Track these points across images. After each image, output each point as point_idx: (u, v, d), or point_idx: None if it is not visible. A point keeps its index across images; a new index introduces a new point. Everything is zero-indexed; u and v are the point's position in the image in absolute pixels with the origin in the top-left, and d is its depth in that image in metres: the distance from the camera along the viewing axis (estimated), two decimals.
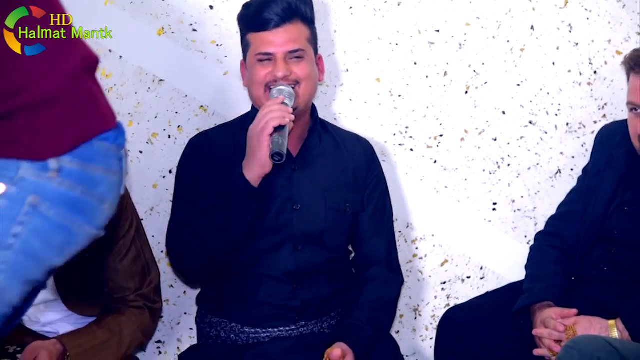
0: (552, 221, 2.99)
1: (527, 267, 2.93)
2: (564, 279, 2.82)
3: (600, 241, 2.80)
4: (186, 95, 2.95)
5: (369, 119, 3.02)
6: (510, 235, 3.11)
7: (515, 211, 3.10)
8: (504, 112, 3.06)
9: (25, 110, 1.49)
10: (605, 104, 3.08)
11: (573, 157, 3.10)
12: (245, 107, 2.84)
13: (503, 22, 3.02)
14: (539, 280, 2.82)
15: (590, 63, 3.06)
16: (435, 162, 3.06)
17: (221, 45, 2.94)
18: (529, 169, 3.09)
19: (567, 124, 3.08)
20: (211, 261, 2.67)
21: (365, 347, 2.63)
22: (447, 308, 3.02)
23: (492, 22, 3.02)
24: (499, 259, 3.11)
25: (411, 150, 3.05)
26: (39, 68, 1.50)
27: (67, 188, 1.51)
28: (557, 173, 3.11)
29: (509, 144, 3.07)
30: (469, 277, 3.12)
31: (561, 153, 3.09)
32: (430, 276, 3.11)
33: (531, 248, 2.98)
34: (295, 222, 2.69)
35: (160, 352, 3.08)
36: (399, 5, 2.99)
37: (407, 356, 3.11)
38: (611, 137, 2.90)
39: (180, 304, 3.06)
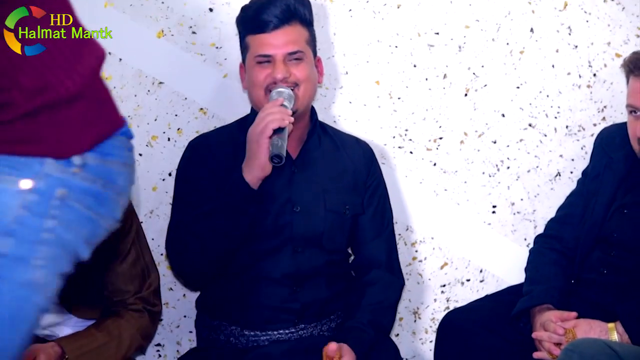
0: (551, 224, 2.99)
1: (526, 269, 2.93)
2: (564, 282, 2.82)
3: (599, 244, 2.80)
4: (186, 98, 2.95)
5: (369, 121, 3.02)
6: (510, 238, 3.11)
7: (514, 214, 3.10)
8: (503, 115, 3.06)
9: (49, 108, 1.52)
10: (605, 107, 3.09)
11: (572, 159, 3.10)
12: (245, 109, 2.84)
13: (502, 25, 3.02)
14: (539, 283, 2.81)
15: (589, 65, 3.06)
16: (434, 164, 3.06)
17: (221, 47, 2.94)
18: (528, 171, 3.09)
19: (567, 127, 3.08)
20: (211, 263, 2.67)
21: (366, 349, 2.63)
22: (446, 311, 3.01)
23: (492, 25, 3.02)
24: (499, 261, 3.11)
25: (411, 152, 3.05)
26: (61, 67, 1.53)
27: (89, 182, 1.55)
28: (556, 176, 3.10)
29: (508, 146, 3.07)
30: (468, 280, 3.12)
31: (561, 156, 3.09)
32: (429, 279, 3.11)
33: (531, 251, 2.98)
34: (295, 225, 2.69)
35: (159, 355, 3.08)
36: (398, 7, 2.99)
37: (406, 359, 3.11)
38: (611, 140, 2.90)
39: (179, 307, 3.06)
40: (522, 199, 3.10)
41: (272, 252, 2.68)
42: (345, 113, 3.02)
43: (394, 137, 3.04)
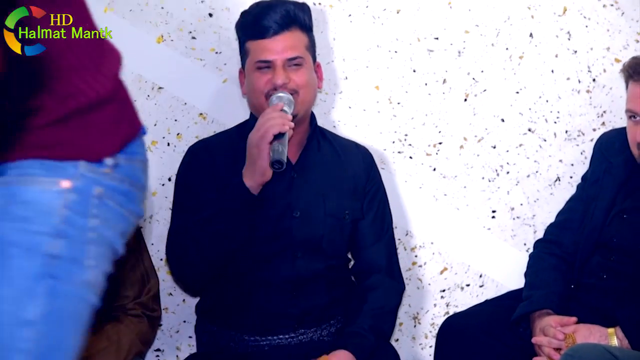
0: (551, 229, 2.99)
1: (526, 274, 2.93)
2: (563, 287, 2.82)
3: (599, 249, 2.80)
4: (185, 103, 2.95)
5: (368, 126, 3.02)
6: (510, 243, 3.11)
7: (514, 219, 3.10)
8: (503, 120, 3.06)
9: (80, 113, 1.55)
10: (604, 112, 3.09)
11: (572, 164, 3.10)
12: (245, 115, 2.84)
13: (502, 30, 3.02)
14: (538, 288, 2.81)
15: (589, 71, 3.07)
16: (434, 169, 3.06)
17: (220, 52, 2.94)
18: (528, 176, 3.09)
19: (566, 132, 3.08)
20: (210, 268, 2.66)
21: (367, 354, 2.62)
22: (446, 316, 3.01)
23: (491, 30, 3.02)
24: (498, 266, 3.11)
25: (410, 157, 3.05)
26: (91, 71, 1.56)
27: (119, 182, 1.60)
28: (556, 181, 3.10)
29: (508, 151, 3.07)
30: (468, 285, 3.12)
31: (560, 161, 3.09)
32: (429, 284, 3.10)
33: (530, 256, 2.97)
34: (295, 229, 2.69)
35: None
36: (398, 12, 2.99)
37: None
38: (610, 145, 2.90)
39: (179, 312, 3.05)
40: (521, 204, 3.10)
41: (272, 257, 2.68)
42: (344, 118, 3.02)
43: (393, 142, 3.04)
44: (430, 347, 3.07)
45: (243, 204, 2.56)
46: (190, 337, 3.03)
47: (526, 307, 2.77)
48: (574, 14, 3.04)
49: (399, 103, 3.03)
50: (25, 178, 1.54)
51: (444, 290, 3.11)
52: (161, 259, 2.99)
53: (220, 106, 2.97)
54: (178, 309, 3.05)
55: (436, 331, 2.94)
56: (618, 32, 3.06)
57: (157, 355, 3.07)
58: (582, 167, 3.04)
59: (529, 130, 3.07)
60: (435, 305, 3.12)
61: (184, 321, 3.05)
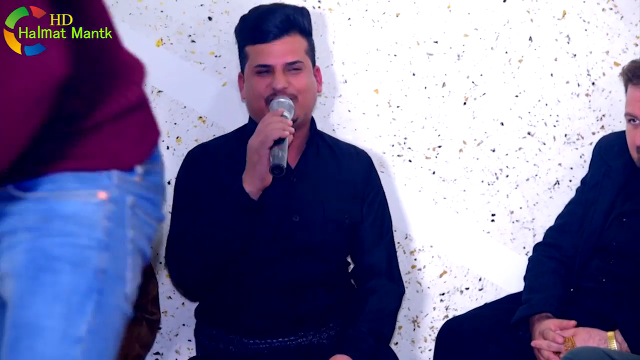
0: (550, 232, 2.99)
1: (525, 278, 2.92)
2: (563, 290, 2.82)
3: (598, 252, 2.80)
4: (185, 106, 2.96)
5: (368, 130, 3.03)
6: (509, 246, 3.11)
7: (513, 222, 3.10)
8: (502, 123, 3.06)
9: (112, 120, 1.54)
10: (604, 115, 3.09)
11: (571, 168, 3.10)
12: (244, 118, 2.84)
13: (501, 33, 3.03)
14: (538, 292, 2.81)
15: (588, 74, 3.07)
16: (433, 173, 3.06)
17: (220, 56, 2.94)
18: (527, 180, 3.09)
19: (566, 135, 3.08)
20: (210, 273, 2.67)
21: (367, 358, 2.62)
22: (445, 319, 3.01)
23: (491, 33, 3.02)
24: (498, 270, 3.11)
25: (409, 161, 3.05)
26: (121, 78, 1.57)
27: (145, 190, 1.59)
28: (555, 184, 3.11)
29: (507, 155, 3.07)
30: (467, 289, 3.12)
31: (559, 164, 3.09)
32: (428, 287, 3.10)
33: (530, 259, 2.97)
34: (294, 234, 2.69)
35: None
36: (397, 16, 2.99)
37: None
38: (609, 149, 2.90)
39: (178, 316, 3.05)
40: (521, 208, 3.10)
41: (271, 260, 2.68)
42: (344, 121, 3.02)
43: (392, 145, 3.04)
44: (430, 350, 3.07)
45: (243, 209, 2.56)
46: (189, 340, 3.03)
47: (525, 310, 2.77)
48: (573, 18, 3.04)
49: (398, 106, 3.03)
50: (61, 192, 1.51)
51: (443, 294, 3.11)
52: (160, 263, 2.99)
53: (220, 109, 2.97)
54: (177, 312, 3.05)
55: (435, 334, 2.93)
56: (617, 35, 3.06)
57: (157, 359, 3.06)
58: (582, 171, 3.04)
59: (529, 133, 3.07)
60: (434, 308, 3.11)
61: (183, 324, 3.05)
